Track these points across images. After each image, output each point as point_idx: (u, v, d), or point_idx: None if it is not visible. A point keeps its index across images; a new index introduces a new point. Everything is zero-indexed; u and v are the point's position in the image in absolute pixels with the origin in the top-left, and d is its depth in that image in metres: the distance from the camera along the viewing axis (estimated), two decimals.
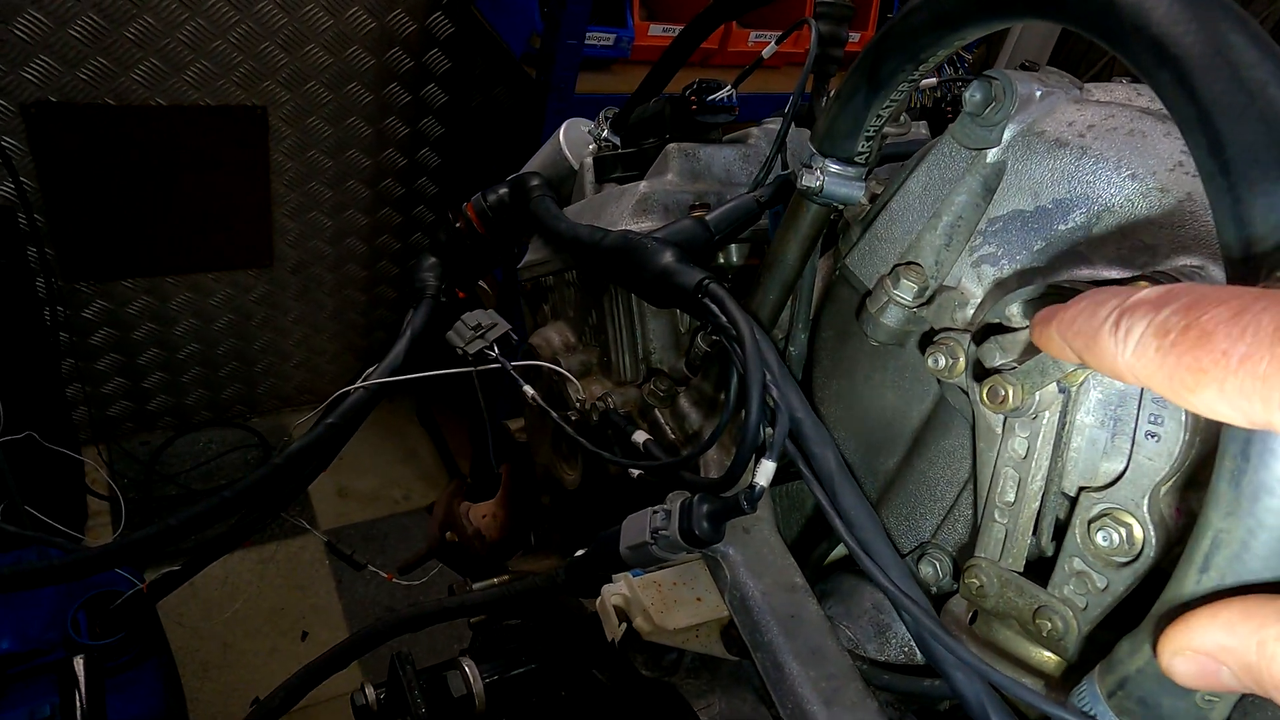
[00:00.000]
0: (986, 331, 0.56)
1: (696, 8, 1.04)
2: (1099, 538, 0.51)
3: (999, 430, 0.57)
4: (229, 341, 2.91)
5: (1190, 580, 0.40)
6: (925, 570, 0.68)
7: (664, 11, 2.45)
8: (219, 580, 2.57)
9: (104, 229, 2.43)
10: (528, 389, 0.91)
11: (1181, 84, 0.40)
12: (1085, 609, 0.53)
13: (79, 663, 1.37)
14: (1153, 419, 0.50)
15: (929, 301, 0.64)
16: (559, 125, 1.22)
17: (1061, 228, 0.57)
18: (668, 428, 0.86)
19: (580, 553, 0.77)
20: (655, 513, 0.67)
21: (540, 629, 1.03)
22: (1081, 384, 0.52)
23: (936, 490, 0.68)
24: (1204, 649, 0.33)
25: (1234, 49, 0.39)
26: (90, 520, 2.63)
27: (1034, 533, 0.57)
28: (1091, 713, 0.46)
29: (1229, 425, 0.39)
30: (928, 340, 0.62)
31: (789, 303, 0.81)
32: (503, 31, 2.30)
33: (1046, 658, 0.56)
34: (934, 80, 0.93)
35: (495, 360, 0.95)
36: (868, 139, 0.65)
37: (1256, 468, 0.37)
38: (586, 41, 2.12)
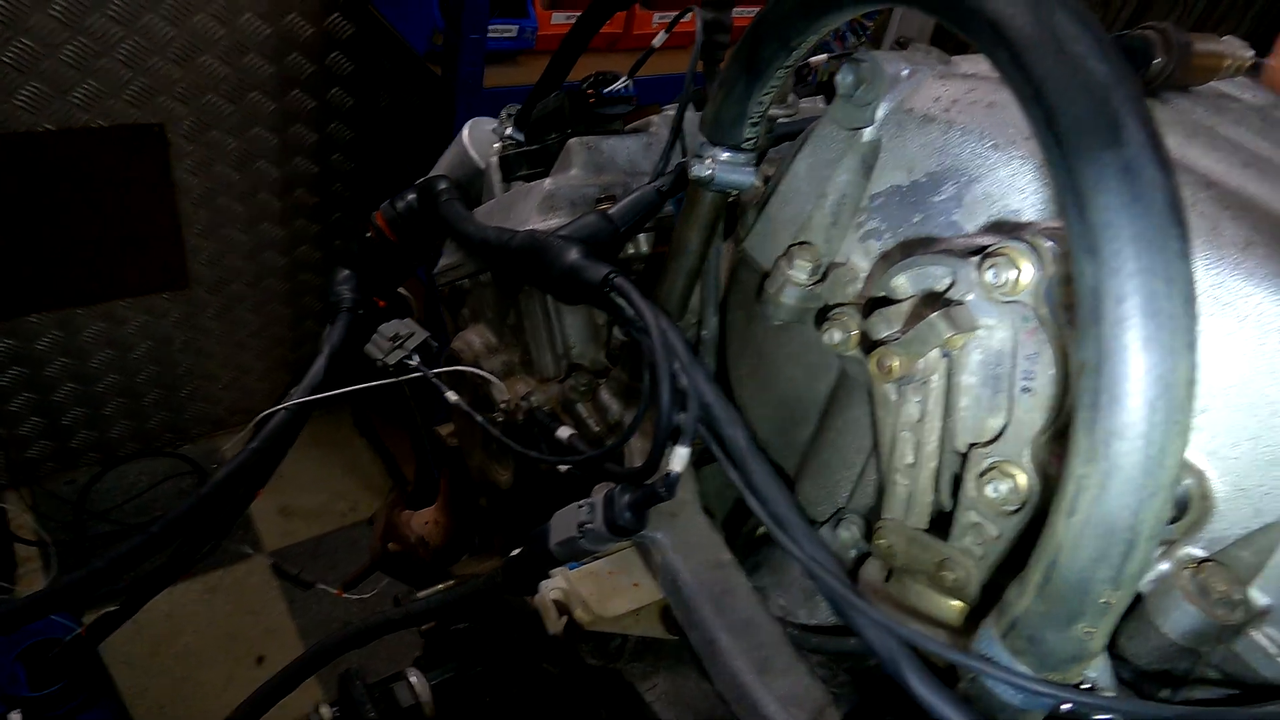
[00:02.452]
0: (873, 305, 0.59)
1: None
2: (989, 490, 0.55)
3: (894, 397, 0.60)
4: (150, 369, 2.81)
5: (1060, 523, 0.44)
6: (843, 535, 0.71)
7: (566, 1, 2.43)
8: (164, 614, 2.50)
9: (1, 265, 2.32)
10: (451, 395, 0.91)
11: (1015, 63, 0.42)
12: (982, 558, 0.56)
13: (16, 716, 1.32)
14: (1026, 375, 0.53)
15: (823, 279, 0.67)
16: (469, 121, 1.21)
17: (935, 199, 0.60)
18: (590, 421, 0.87)
19: (515, 553, 0.78)
20: (581, 507, 0.69)
21: (489, 629, 1.04)
22: (963, 347, 0.55)
23: (847, 458, 0.71)
24: None
25: (1059, 26, 0.42)
26: (20, 568, 2.52)
27: (934, 491, 0.60)
28: (989, 655, 0.49)
29: (1082, 376, 0.42)
30: (823, 316, 0.64)
31: (698, 288, 0.83)
32: (404, 30, 2.25)
33: (954, 607, 0.60)
34: (824, 57, 0.95)
35: (416, 369, 0.95)
36: (753, 125, 0.67)
37: (1105, 415, 0.41)
38: (490, 35, 2.09)
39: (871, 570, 0.67)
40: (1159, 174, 0.39)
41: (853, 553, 0.71)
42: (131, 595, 1.32)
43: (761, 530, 0.89)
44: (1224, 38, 0.77)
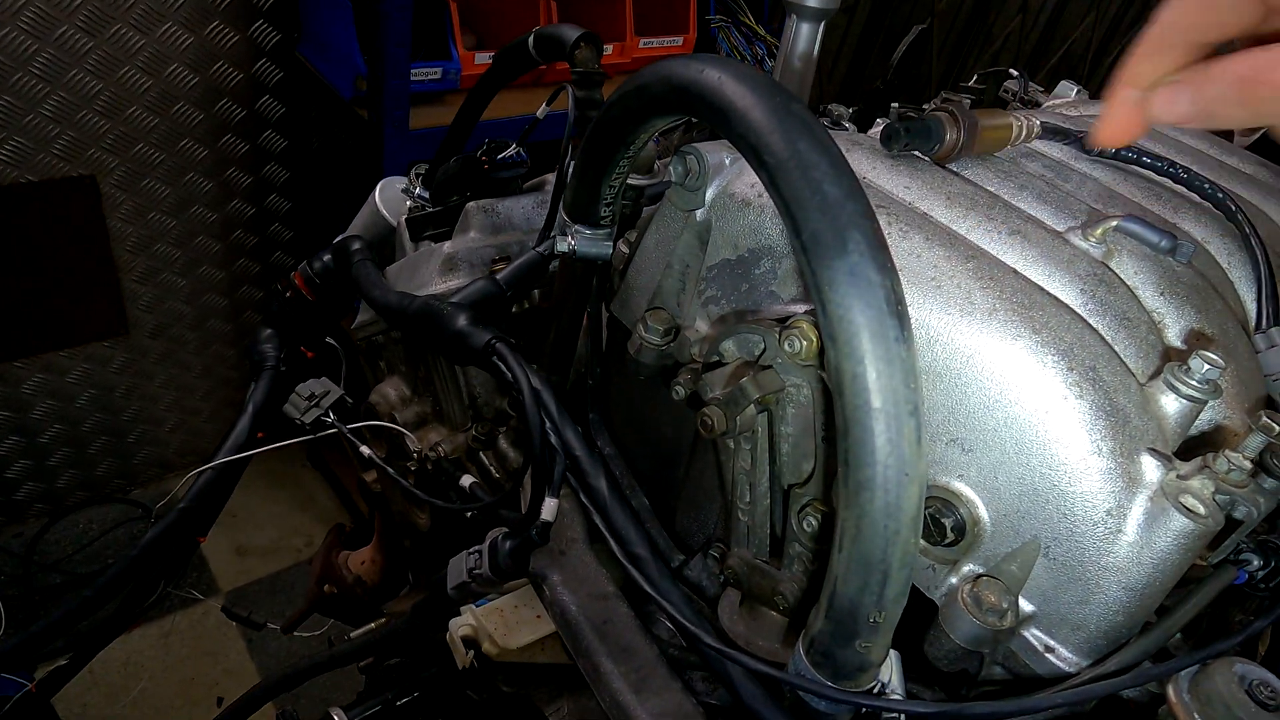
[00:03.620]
0: (707, 367, 0.68)
1: (519, 30, 1.07)
2: (805, 524, 0.64)
3: (731, 446, 0.68)
4: (94, 417, 2.82)
5: (835, 558, 0.53)
6: (712, 563, 0.80)
7: (490, 38, 2.51)
8: (119, 662, 2.51)
9: None
10: (364, 449, 0.98)
11: (771, 183, 0.51)
12: (805, 583, 0.65)
13: None
14: (824, 426, 0.62)
15: (675, 340, 0.76)
16: (400, 161, 1.28)
17: (757, 272, 0.69)
18: (492, 468, 0.95)
19: (418, 600, 0.85)
20: (470, 554, 0.76)
21: (418, 663, 1.11)
22: (779, 402, 0.64)
23: (711, 494, 0.80)
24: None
25: (802, 154, 0.51)
26: None
27: (770, 524, 0.69)
28: (799, 670, 0.58)
29: (837, 438, 0.51)
30: (672, 375, 0.73)
31: (584, 339, 0.91)
32: (328, 75, 2.31)
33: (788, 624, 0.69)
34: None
35: (332, 426, 1.01)
36: (607, 205, 0.75)
37: (852, 471, 0.50)
38: (413, 78, 2.16)
39: (731, 595, 0.75)
40: (879, 276, 0.48)
41: (720, 578, 0.79)
42: (80, 648, 1.36)
43: None
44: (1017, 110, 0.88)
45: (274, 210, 2.82)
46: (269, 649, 2.67)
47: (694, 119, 0.59)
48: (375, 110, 2.15)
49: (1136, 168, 0.86)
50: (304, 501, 3.17)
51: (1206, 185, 0.82)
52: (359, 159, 2.36)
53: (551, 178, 1.13)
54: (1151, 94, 0.40)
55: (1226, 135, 1.39)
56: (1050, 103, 1.14)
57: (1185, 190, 0.85)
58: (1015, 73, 1.24)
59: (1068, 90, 1.15)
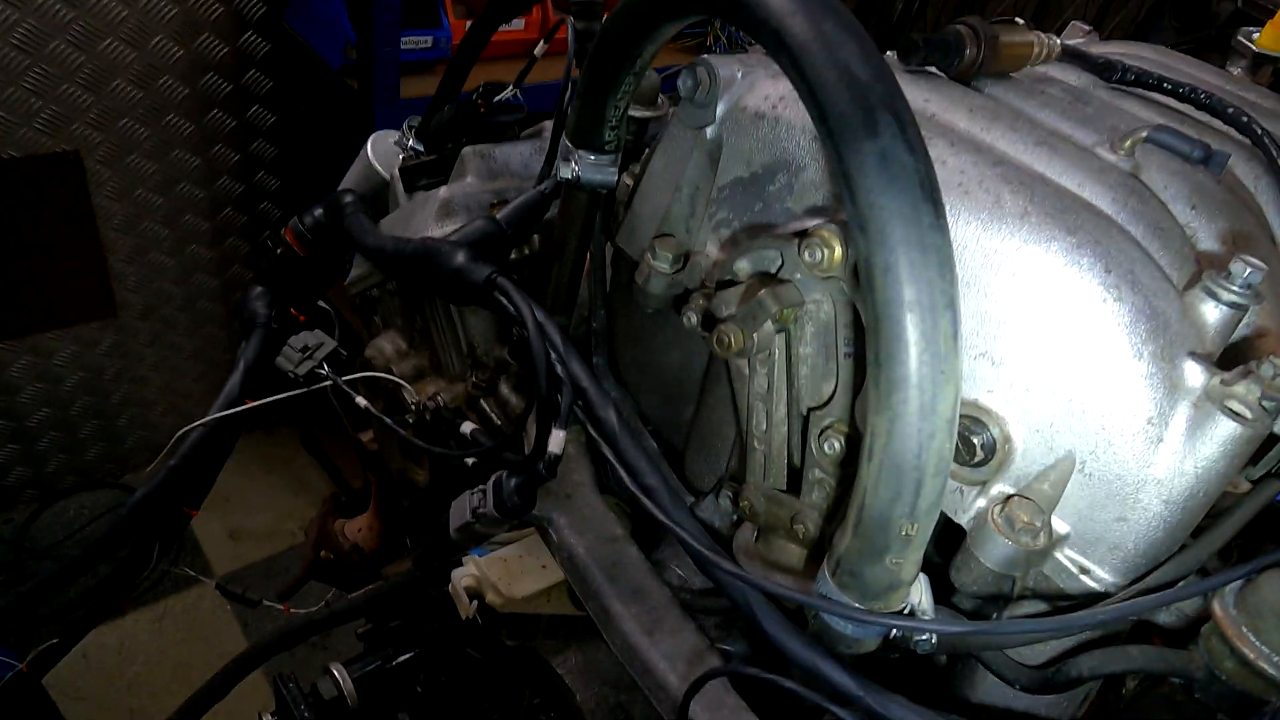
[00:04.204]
0: (719, 287, 0.65)
1: None
2: (826, 447, 0.61)
3: (746, 371, 0.65)
4: (83, 400, 2.77)
5: (863, 468, 0.50)
6: (724, 503, 0.77)
7: (481, 6, 2.46)
8: (113, 646, 2.47)
9: None
10: (360, 400, 0.95)
11: (794, 66, 0.48)
12: (827, 509, 0.62)
13: None
14: (846, 341, 0.59)
15: (684, 267, 0.72)
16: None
17: (772, 189, 0.66)
18: (494, 415, 0.92)
19: (418, 551, 0.82)
20: (473, 494, 0.73)
21: (418, 622, 1.08)
22: (796, 321, 0.61)
23: (723, 430, 0.77)
24: None
25: (828, 34, 0.48)
26: None
27: (787, 452, 0.66)
28: (824, 593, 0.55)
29: (867, 337, 0.48)
30: (683, 301, 0.70)
31: (588, 281, 0.88)
32: (317, 45, 2.26)
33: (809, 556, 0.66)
34: None
35: (327, 378, 0.98)
36: (612, 129, 0.72)
37: (884, 369, 0.47)
38: (404, 46, 2.11)
39: (745, 532, 0.73)
40: (911, 158, 0.45)
41: (734, 517, 0.77)
42: (70, 627, 1.33)
43: None
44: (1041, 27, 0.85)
45: (263, 188, 2.77)
46: (265, 631, 2.63)
47: (708, 17, 0.55)
48: (365, 80, 2.11)
49: (1157, 94, 0.83)
50: (298, 485, 3.13)
51: (1230, 109, 0.80)
52: (349, 131, 2.32)
53: (549, 124, 1.10)
54: None
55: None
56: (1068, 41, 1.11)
57: (1208, 117, 0.82)
58: (1020, 21, 1.21)
59: (1078, 32, 1.12)
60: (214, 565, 2.82)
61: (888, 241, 0.45)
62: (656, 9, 0.60)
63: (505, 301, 0.76)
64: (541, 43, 0.98)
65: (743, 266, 0.64)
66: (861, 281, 0.47)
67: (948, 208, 0.58)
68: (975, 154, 0.60)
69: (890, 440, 0.47)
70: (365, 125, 2.17)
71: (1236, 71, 1.56)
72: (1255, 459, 0.58)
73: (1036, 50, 0.75)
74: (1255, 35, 1.59)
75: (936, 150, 0.60)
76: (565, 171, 0.73)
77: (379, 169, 1.20)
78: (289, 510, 3.05)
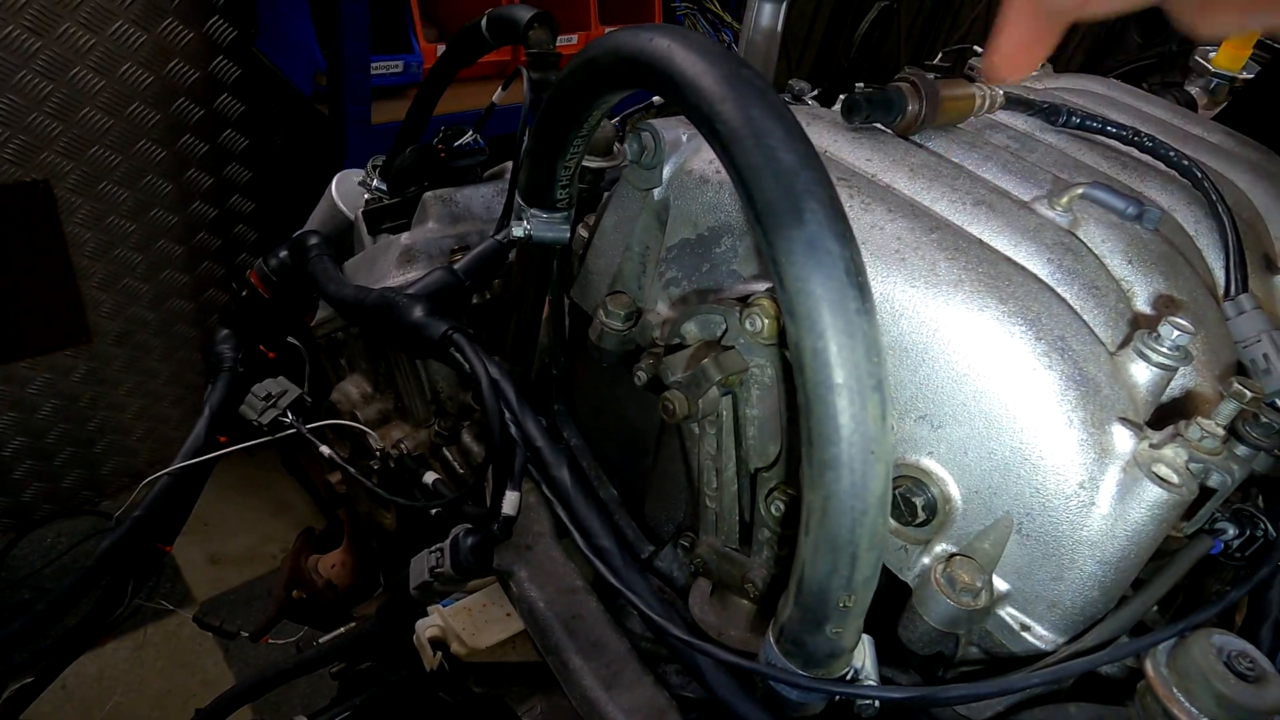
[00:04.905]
0: (668, 351, 0.66)
1: None
2: (773, 509, 0.62)
3: (697, 431, 0.66)
4: (59, 428, 2.74)
5: (802, 542, 0.51)
6: (681, 554, 0.78)
7: (452, 30, 2.46)
8: (92, 677, 2.45)
9: None
10: (324, 449, 0.95)
11: (725, 154, 0.49)
12: (775, 568, 0.63)
13: None
14: (789, 407, 0.60)
15: (636, 324, 0.73)
16: (363, 157, 1.24)
17: (718, 251, 0.67)
18: (456, 464, 0.92)
19: (382, 603, 0.82)
20: (431, 553, 0.74)
21: (389, 666, 1.08)
22: (742, 384, 0.62)
23: (679, 482, 0.78)
24: None
25: (756, 121, 0.49)
26: None
27: (738, 511, 0.67)
28: (771, 659, 0.56)
29: (803, 416, 0.49)
30: (634, 359, 0.70)
31: (547, 329, 0.88)
32: (287, 71, 2.26)
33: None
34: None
35: (291, 426, 0.98)
36: (563, 187, 0.73)
37: (816, 450, 0.48)
38: (374, 72, 2.12)
39: (703, 583, 0.73)
40: (837, 245, 0.46)
41: (691, 568, 0.77)
42: (45, 665, 1.32)
43: None
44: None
45: (237, 211, 2.76)
46: (247, 659, 2.62)
47: (646, 91, 0.56)
48: (336, 106, 2.11)
49: (1101, 136, 0.85)
50: (278, 508, 3.11)
51: (1172, 153, 0.81)
52: (322, 156, 2.32)
53: (512, 165, 1.11)
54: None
55: (1191, 106, 1.39)
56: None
57: (1151, 159, 0.84)
58: (980, 50, 1.23)
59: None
60: (194, 591, 2.80)
61: (815, 327, 0.46)
62: (596, 82, 0.61)
63: (460, 358, 0.77)
64: (501, 89, 0.99)
65: (690, 330, 0.65)
66: (793, 363, 0.48)
67: (885, 274, 0.60)
68: (913, 220, 0.61)
69: (825, 517, 0.48)
70: (337, 149, 2.17)
71: (1195, 90, 1.58)
72: (1189, 515, 0.60)
73: (979, 102, 0.77)
74: (1212, 55, 1.61)
75: (875, 216, 0.62)
76: (518, 230, 0.73)
77: (344, 209, 1.20)
78: (270, 533, 3.03)
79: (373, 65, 2.10)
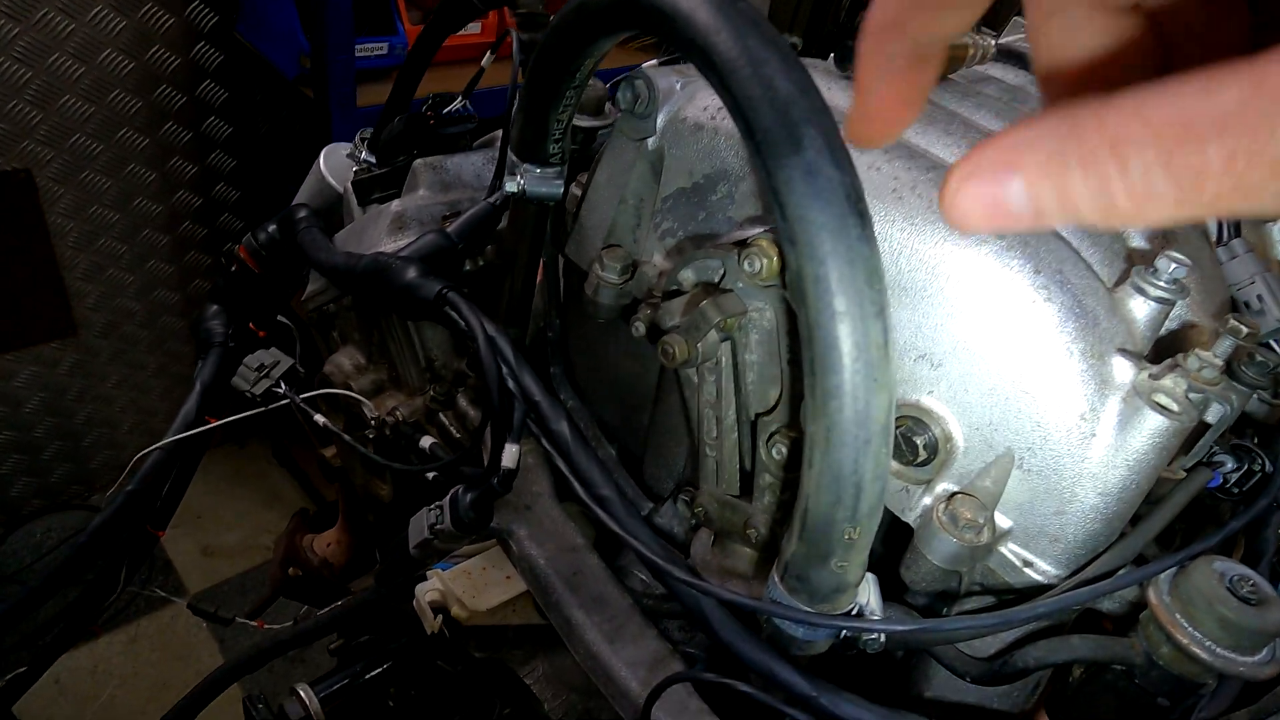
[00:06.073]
0: (665, 298, 0.65)
1: None
2: (774, 453, 0.62)
3: (695, 379, 0.66)
4: (46, 422, 2.72)
5: (805, 475, 0.51)
6: (681, 509, 0.77)
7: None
8: (86, 670, 2.43)
9: None
10: (319, 418, 0.94)
11: (721, 84, 0.49)
12: (777, 513, 0.63)
13: None
14: (789, 349, 0.60)
15: (632, 277, 0.73)
16: (349, 141, 1.22)
17: (713, 198, 0.67)
18: (453, 429, 0.92)
19: (382, 563, 0.82)
20: (431, 510, 0.73)
21: (388, 636, 1.07)
22: (741, 328, 0.62)
23: (677, 436, 0.78)
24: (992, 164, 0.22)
25: (752, 50, 0.48)
26: None
27: (739, 458, 0.67)
28: (774, 598, 0.56)
29: (802, 347, 0.49)
30: (631, 311, 0.70)
31: (541, 291, 0.88)
32: (270, 55, 2.23)
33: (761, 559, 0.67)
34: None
35: (284, 397, 0.97)
36: (556, 141, 0.72)
37: (819, 379, 0.47)
38: (358, 54, 2.09)
39: (702, 537, 0.73)
40: (836, 172, 0.46)
41: (691, 522, 0.77)
42: (38, 655, 1.31)
43: None
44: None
45: (222, 200, 2.74)
46: (239, 649, 2.60)
47: (640, 33, 0.56)
48: (320, 89, 2.09)
49: None
50: (270, 499, 3.10)
51: None
52: (307, 141, 2.29)
53: (502, 134, 1.10)
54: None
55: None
56: (1005, 40, 1.12)
57: None
58: None
59: (1021, 26, 1.14)
60: (187, 583, 2.79)
61: (816, 254, 0.46)
62: (588, 26, 0.60)
63: (456, 316, 0.76)
64: (489, 53, 0.98)
65: (687, 276, 0.64)
66: (794, 293, 0.48)
67: (883, 213, 0.59)
68: (909, 159, 0.61)
69: (828, 448, 0.48)
70: (323, 134, 2.15)
71: None
72: (1187, 448, 0.60)
73: (971, 52, 0.77)
74: None
75: (870, 157, 0.61)
76: (511, 185, 0.73)
77: (332, 182, 1.19)
78: (262, 524, 3.01)
79: (357, 47, 2.07)
